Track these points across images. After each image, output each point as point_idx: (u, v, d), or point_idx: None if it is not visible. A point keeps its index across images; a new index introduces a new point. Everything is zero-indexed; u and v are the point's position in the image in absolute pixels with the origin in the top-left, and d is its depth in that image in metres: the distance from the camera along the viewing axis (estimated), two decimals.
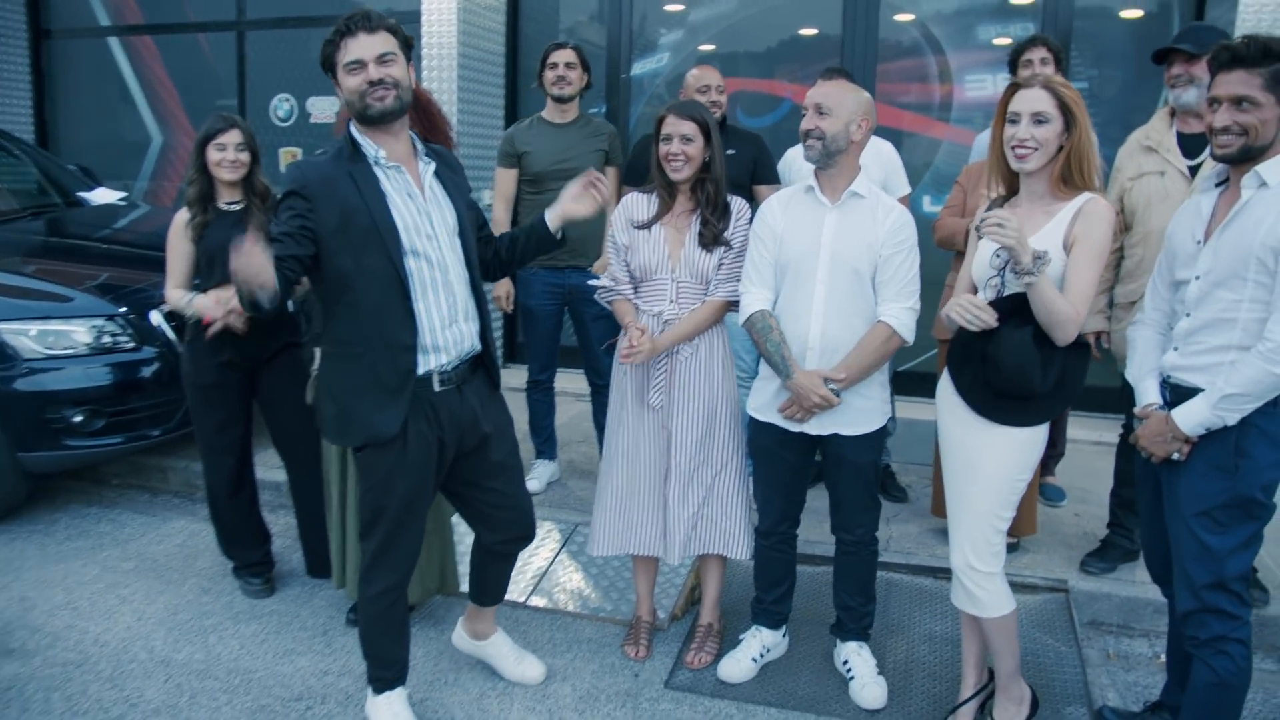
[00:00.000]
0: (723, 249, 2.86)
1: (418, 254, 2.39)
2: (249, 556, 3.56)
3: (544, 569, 3.66)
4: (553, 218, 2.55)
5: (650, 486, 2.96)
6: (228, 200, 3.32)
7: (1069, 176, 2.39)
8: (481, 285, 2.59)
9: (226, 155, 3.23)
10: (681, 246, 2.87)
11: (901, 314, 2.67)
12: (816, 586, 3.44)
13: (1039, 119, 2.39)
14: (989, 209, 2.56)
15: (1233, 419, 2.18)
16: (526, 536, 2.79)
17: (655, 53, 5.99)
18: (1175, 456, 2.29)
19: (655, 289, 2.90)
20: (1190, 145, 3.17)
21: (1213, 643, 2.28)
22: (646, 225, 2.90)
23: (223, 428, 3.39)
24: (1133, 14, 5.29)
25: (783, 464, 2.85)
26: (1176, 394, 2.31)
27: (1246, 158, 2.19)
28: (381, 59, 2.32)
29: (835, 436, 2.73)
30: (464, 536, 3.34)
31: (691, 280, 2.87)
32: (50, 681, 2.93)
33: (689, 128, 2.81)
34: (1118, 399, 3.51)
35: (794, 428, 2.75)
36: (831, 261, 2.67)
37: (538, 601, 3.48)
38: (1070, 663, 3.08)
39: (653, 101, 5.97)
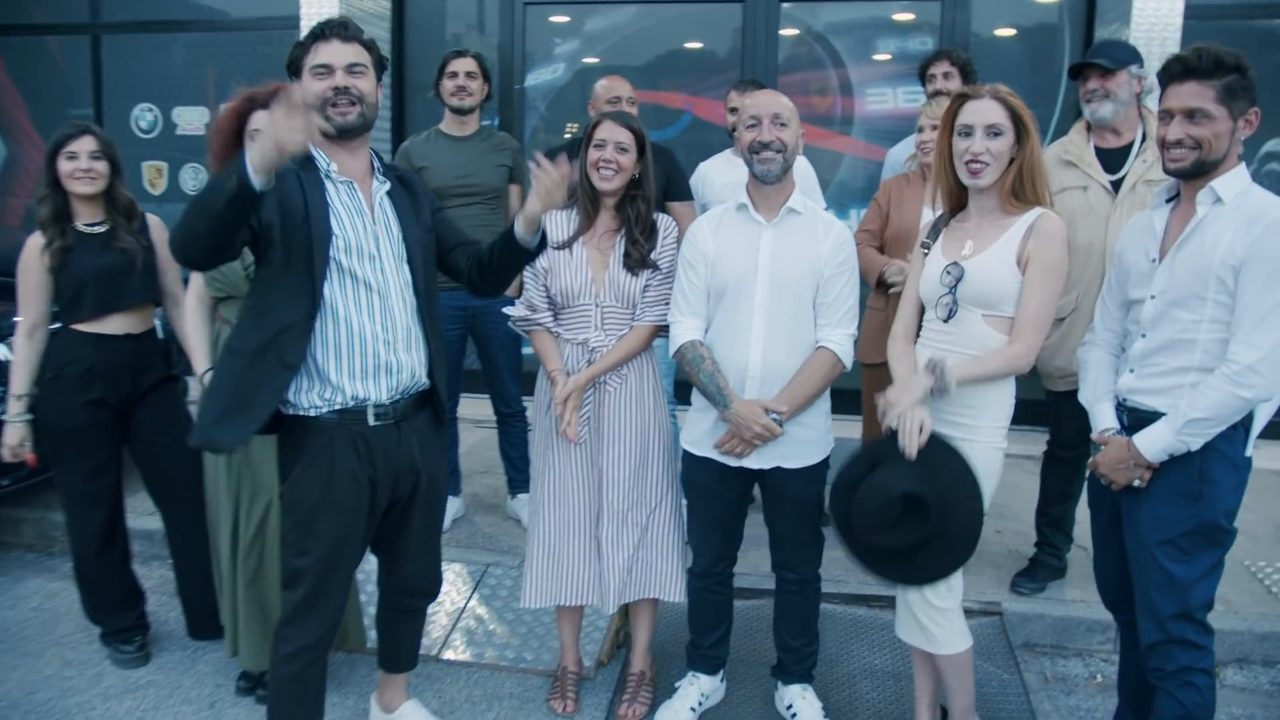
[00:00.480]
0: (649, 271, 2.65)
1: (355, 276, 2.18)
2: (120, 621, 3.15)
3: (456, 617, 3.37)
4: (521, 222, 2.24)
5: (582, 530, 2.73)
6: (87, 221, 2.94)
7: (1020, 190, 2.29)
8: (434, 314, 2.36)
9: (79, 165, 2.86)
10: (605, 269, 2.65)
11: (845, 340, 2.52)
12: (750, 623, 3.27)
13: (993, 131, 2.28)
14: (934, 228, 2.44)
15: (1197, 444, 2.10)
16: (432, 593, 2.62)
17: (549, 64, 5.76)
18: (1136, 483, 2.21)
19: (578, 316, 2.67)
20: (1109, 160, 3.14)
21: (1178, 674, 2.20)
22: (566, 245, 2.67)
23: (92, 475, 2.99)
24: (1026, 30, 5.37)
25: (720, 501, 2.66)
26: (1134, 418, 2.23)
27: (1200, 172, 2.12)
28: (351, 69, 2.19)
29: (777, 470, 2.56)
30: (367, 580, 3.04)
31: (617, 305, 2.66)
32: None
33: (625, 136, 2.61)
34: (1041, 413, 3.46)
35: (733, 462, 2.56)
36: (771, 284, 2.50)
37: (452, 654, 3.20)
38: (1014, 690, 2.99)
39: (548, 114, 5.75)
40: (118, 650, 3.13)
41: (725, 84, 5.49)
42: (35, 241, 2.89)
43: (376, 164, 2.34)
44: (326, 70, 2.17)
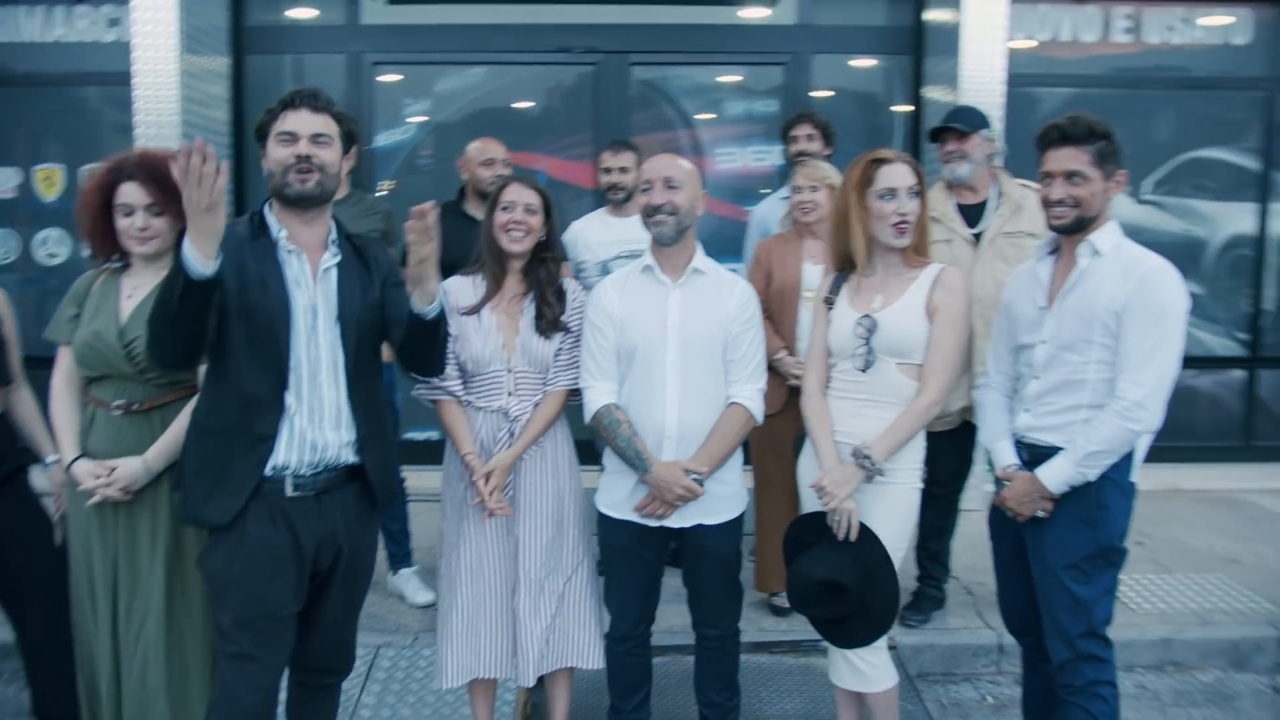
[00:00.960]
0: (561, 334, 2.64)
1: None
2: None
3: (352, 709, 3.17)
4: (417, 298, 2.23)
5: (498, 602, 2.65)
6: None
7: (919, 246, 2.44)
8: (372, 393, 2.32)
9: None
10: (516, 334, 2.62)
11: (756, 395, 2.59)
12: (667, 680, 3.26)
13: (913, 192, 2.43)
14: (835, 284, 2.55)
15: (1094, 474, 2.28)
16: (343, 671, 2.56)
17: (400, 125, 5.68)
18: (1039, 514, 2.37)
19: (490, 382, 2.62)
20: (968, 215, 3.39)
21: (1087, 688, 2.36)
22: (474, 310, 2.62)
23: None
24: (860, 92, 5.76)
25: (640, 563, 2.65)
26: (1033, 454, 2.40)
27: (1079, 228, 2.34)
28: (316, 138, 2.20)
29: (698, 528, 2.58)
30: None
31: (529, 369, 2.63)
32: None
33: (533, 198, 2.61)
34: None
35: (653, 523, 2.57)
36: (682, 344, 2.54)
37: None
38: (921, 719, 3.11)
39: (400, 174, 5.65)
40: None
41: (580, 144, 5.63)
42: None
43: (334, 235, 2.30)
44: (290, 138, 2.18)
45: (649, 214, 2.56)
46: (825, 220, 3.33)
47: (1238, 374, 5.95)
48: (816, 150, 3.99)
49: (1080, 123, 2.29)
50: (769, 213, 4.02)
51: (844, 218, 2.50)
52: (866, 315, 2.41)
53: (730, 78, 5.72)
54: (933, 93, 5.37)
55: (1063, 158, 2.31)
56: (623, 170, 3.92)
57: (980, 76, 4.93)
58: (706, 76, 5.73)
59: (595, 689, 2.94)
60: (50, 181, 5.62)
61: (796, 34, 5.65)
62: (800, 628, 3.57)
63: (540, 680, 2.73)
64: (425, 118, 5.66)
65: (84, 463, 2.47)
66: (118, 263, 2.59)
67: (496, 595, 2.65)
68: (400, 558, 3.90)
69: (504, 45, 5.58)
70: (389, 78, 5.63)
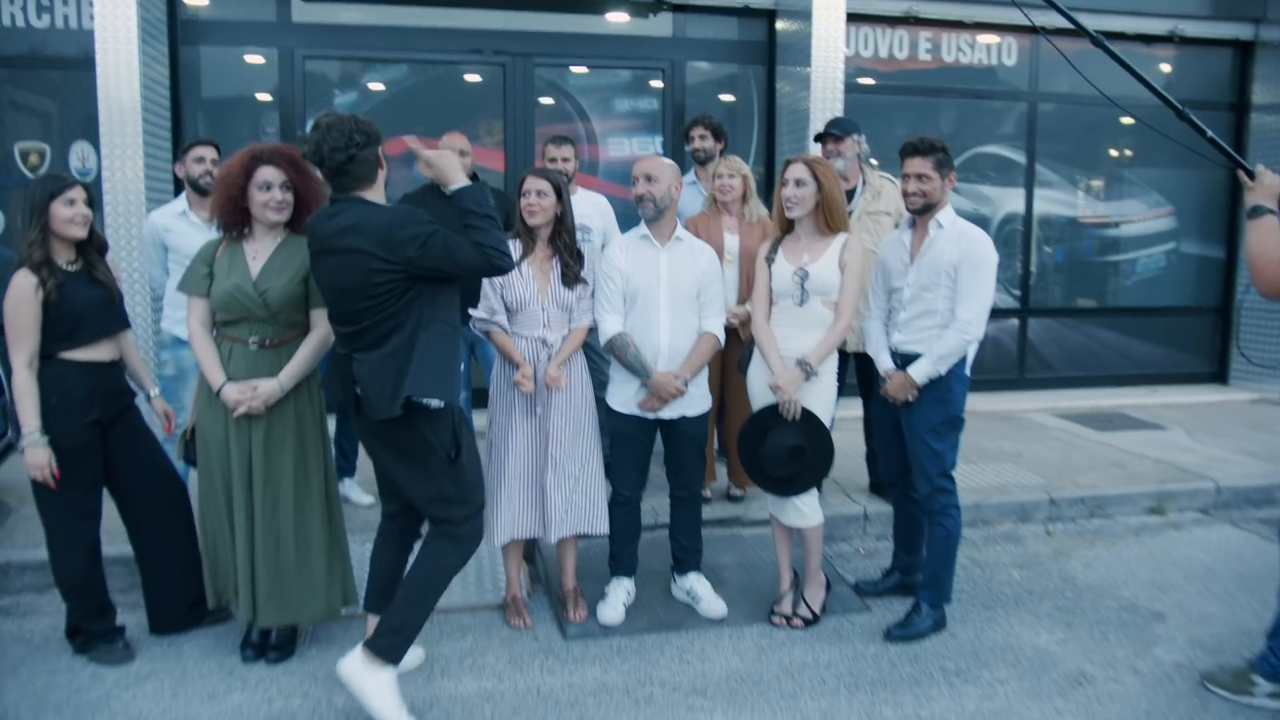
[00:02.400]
0: (581, 285, 3.64)
1: None
2: (104, 624, 3.48)
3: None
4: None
5: (533, 481, 3.62)
6: (66, 260, 3.30)
7: (829, 220, 3.60)
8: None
9: (78, 211, 3.24)
10: (549, 284, 3.59)
11: (720, 326, 3.69)
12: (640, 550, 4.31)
13: (799, 183, 3.57)
14: (773, 247, 3.68)
15: (944, 369, 3.53)
16: (432, 520, 3.14)
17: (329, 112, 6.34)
18: (908, 399, 3.60)
19: (530, 318, 3.58)
20: (848, 196, 4.60)
21: (943, 510, 3.62)
22: (515, 264, 3.57)
23: (89, 489, 3.34)
24: (724, 98, 6.95)
25: (639, 445, 3.71)
26: (904, 359, 3.62)
27: (926, 210, 3.56)
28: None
29: (682, 418, 3.67)
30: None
31: (558, 311, 3.61)
32: None
33: (543, 185, 3.55)
34: None
35: (650, 415, 3.63)
36: (670, 291, 3.61)
37: None
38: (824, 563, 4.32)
39: None
40: (109, 649, 3.43)
41: (492, 133, 6.52)
42: (26, 281, 3.17)
43: None
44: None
45: (637, 200, 3.60)
46: (739, 200, 4.47)
47: (1013, 322, 7.63)
48: (710, 147, 5.10)
49: (926, 141, 3.52)
50: (688, 196, 5.10)
51: (776, 200, 3.64)
52: (801, 268, 3.55)
53: (618, 79, 6.77)
54: (785, 96, 6.63)
55: (914, 164, 3.53)
56: (565, 160, 4.86)
57: (825, 83, 6.22)
58: (599, 78, 6.75)
59: (588, 558, 3.94)
60: None
61: (672, 45, 6.77)
62: (736, 512, 4.79)
63: (532, 555, 3.70)
64: (354, 107, 6.36)
65: (232, 385, 3.23)
66: (235, 234, 3.33)
67: (532, 476, 3.62)
68: (347, 470, 4.80)
69: (424, 46, 6.38)
70: (320, 71, 6.29)
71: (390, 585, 3.22)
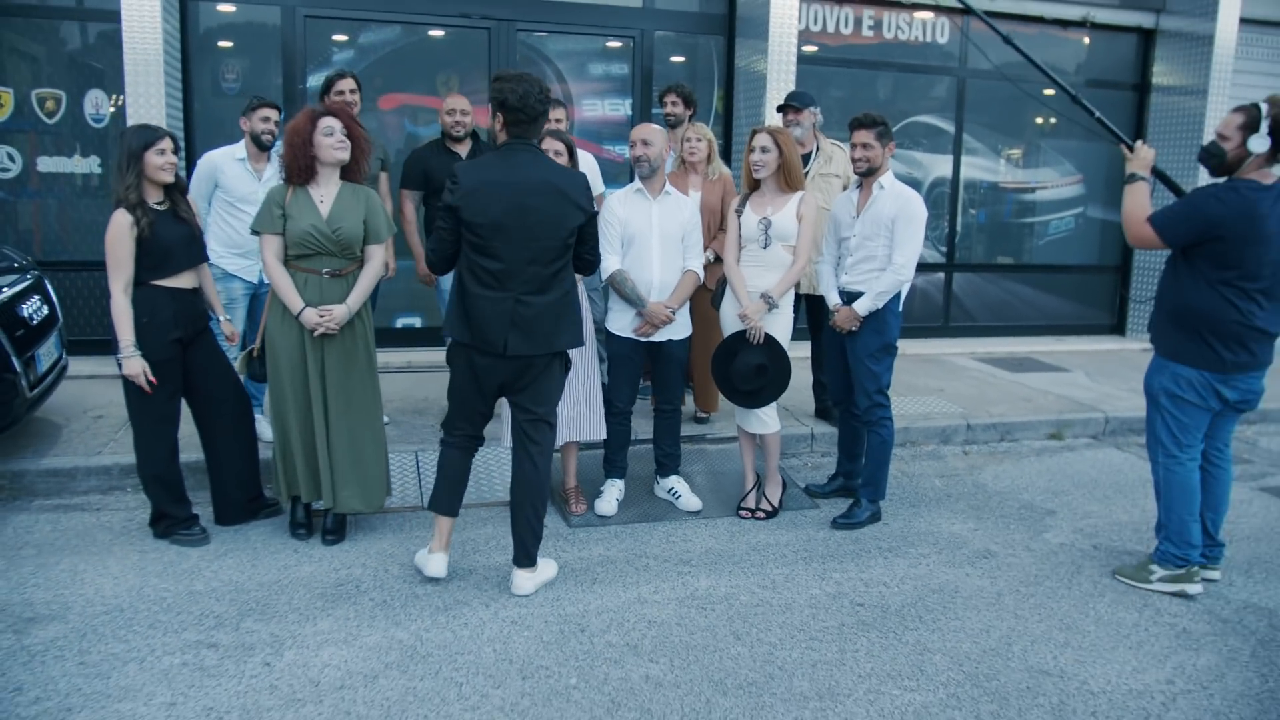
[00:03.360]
0: None
1: None
2: (184, 511, 4.09)
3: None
4: None
5: None
6: (155, 200, 3.86)
7: (788, 179, 4.33)
8: None
9: (168, 159, 3.81)
10: None
11: (700, 264, 4.42)
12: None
13: (764, 149, 4.29)
14: (741, 202, 4.41)
15: (880, 304, 4.31)
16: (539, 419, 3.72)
17: (329, 68, 6.85)
18: (852, 328, 4.38)
19: None
20: (804, 159, 5.34)
21: (879, 421, 4.43)
22: None
23: (172, 396, 3.94)
24: (689, 60, 7.61)
25: (633, 364, 4.43)
26: (849, 297, 4.40)
27: (869, 174, 4.32)
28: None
29: (669, 341, 4.40)
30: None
31: None
32: (92, 632, 3.39)
33: (559, 145, 4.19)
34: None
35: (643, 339, 4.36)
36: (661, 235, 4.31)
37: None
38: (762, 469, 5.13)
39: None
40: (187, 535, 4.05)
41: (478, 91, 7.09)
42: (123, 219, 3.73)
43: None
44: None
45: (635, 160, 4.29)
46: (704, 161, 5.18)
47: (939, 276, 8.51)
48: (680, 113, 5.76)
49: (870, 116, 4.27)
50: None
51: (745, 163, 4.37)
52: (765, 218, 4.28)
53: (593, 45, 7.38)
54: (742, 62, 7.32)
55: (860, 135, 4.28)
56: (558, 120, 5.48)
57: (780, 54, 6.93)
58: (574, 43, 7.35)
59: (580, 465, 4.67)
60: (2, 104, 6.36)
61: (642, 15, 7.40)
62: (702, 431, 5.54)
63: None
64: (351, 65, 6.87)
65: (310, 310, 3.84)
66: (300, 180, 3.90)
67: None
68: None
69: (415, 8, 6.91)
70: (320, 29, 6.78)
71: (459, 488, 3.77)
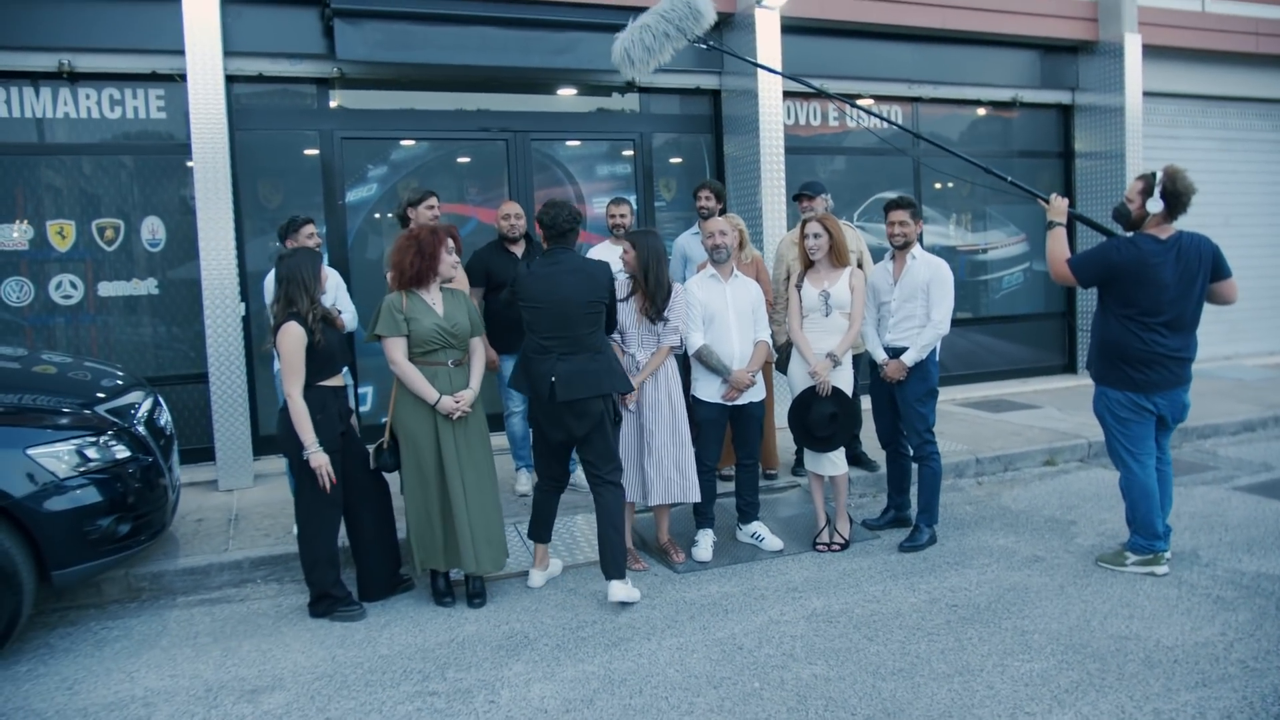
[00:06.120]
0: (663, 322, 4.96)
1: None
2: (344, 589, 4.54)
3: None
4: None
5: (636, 462, 4.91)
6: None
7: (838, 257, 5.12)
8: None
9: (326, 278, 4.40)
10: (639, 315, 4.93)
11: (768, 335, 5.15)
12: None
13: (816, 235, 5.09)
14: (800, 279, 5.18)
15: (924, 355, 5.10)
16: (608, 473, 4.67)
17: (365, 183, 7.49)
18: (900, 378, 5.15)
19: (629, 338, 4.91)
20: None
21: (930, 456, 5.19)
22: (624, 299, 4.90)
23: (339, 483, 4.43)
24: (683, 162, 8.47)
25: (720, 426, 5.11)
26: (893, 352, 5.18)
27: (905, 247, 5.15)
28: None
29: (750, 404, 5.09)
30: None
31: (645, 334, 4.93)
32: (318, 695, 3.83)
33: (627, 245, 4.91)
34: None
35: (730, 404, 5.04)
36: (736, 312, 5.04)
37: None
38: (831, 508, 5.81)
39: (364, 225, 7.46)
40: (345, 612, 4.48)
41: (497, 198, 7.78)
42: (296, 330, 4.25)
43: None
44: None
45: (711, 249, 5.03)
46: (736, 247, 5.94)
47: None
48: (713, 206, 6.51)
49: (905, 199, 5.13)
50: (686, 243, 6.52)
51: (801, 247, 5.15)
52: (824, 290, 5.05)
53: (599, 149, 8.19)
54: (731, 155, 8.21)
55: (897, 215, 5.12)
56: (622, 216, 6.18)
57: (769, 145, 7.82)
58: (583, 148, 8.14)
59: (677, 518, 5.29)
60: (63, 235, 6.79)
61: (640, 119, 8.25)
62: (767, 484, 6.18)
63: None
64: (384, 179, 7.51)
65: (446, 398, 4.42)
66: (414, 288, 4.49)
67: (632, 458, 4.91)
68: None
69: (440, 125, 7.62)
70: (355, 148, 7.42)
71: (550, 521, 4.84)
